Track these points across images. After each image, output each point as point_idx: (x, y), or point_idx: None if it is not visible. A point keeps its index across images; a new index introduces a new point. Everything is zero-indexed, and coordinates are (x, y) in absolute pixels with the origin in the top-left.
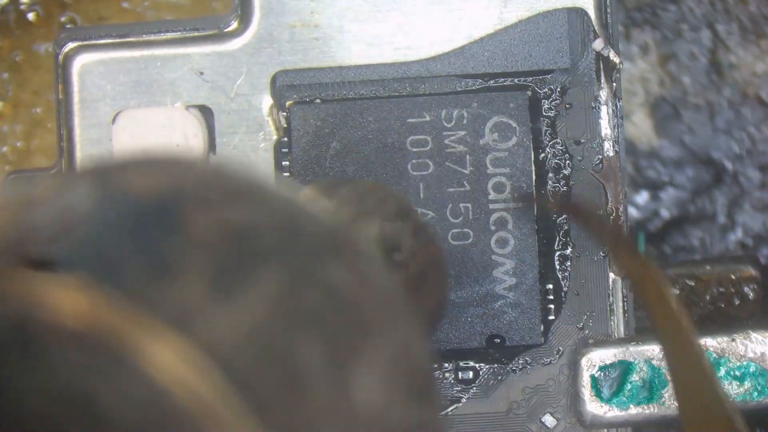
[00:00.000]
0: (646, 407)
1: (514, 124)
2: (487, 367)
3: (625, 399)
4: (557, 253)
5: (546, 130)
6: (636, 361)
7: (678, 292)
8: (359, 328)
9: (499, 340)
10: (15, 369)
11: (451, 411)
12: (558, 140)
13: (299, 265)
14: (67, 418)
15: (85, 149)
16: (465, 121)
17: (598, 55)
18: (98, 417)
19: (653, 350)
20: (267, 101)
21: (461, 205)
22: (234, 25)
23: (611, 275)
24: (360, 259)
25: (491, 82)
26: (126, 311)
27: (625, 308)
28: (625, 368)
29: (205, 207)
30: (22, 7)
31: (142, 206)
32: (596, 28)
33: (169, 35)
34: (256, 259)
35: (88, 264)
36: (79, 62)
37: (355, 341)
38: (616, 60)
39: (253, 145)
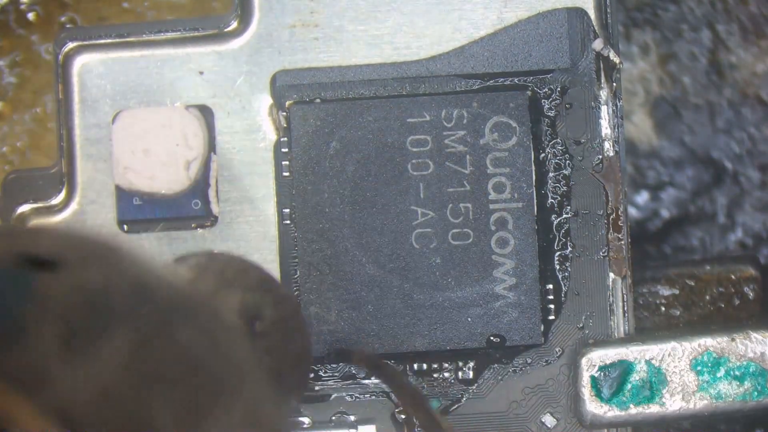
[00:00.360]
0: (646, 407)
1: (514, 124)
2: (487, 367)
3: (625, 399)
4: (557, 253)
5: (546, 130)
6: (636, 361)
7: (678, 292)
8: (210, 389)
9: (498, 340)
10: None
11: (451, 411)
12: (558, 140)
13: (150, 326)
14: None
15: (85, 149)
16: (465, 121)
17: (598, 55)
18: None
19: (653, 350)
20: (267, 101)
21: (461, 205)
22: (234, 25)
23: (611, 275)
24: (213, 323)
25: (491, 82)
26: None
27: (625, 308)
28: (625, 368)
29: (58, 270)
30: (22, 7)
31: None
32: (596, 28)
33: (169, 35)
34: (108, 320)
35: None
36: (79, 62)
37: (206, 402)
38: (616, 60)
39: (253, 145)
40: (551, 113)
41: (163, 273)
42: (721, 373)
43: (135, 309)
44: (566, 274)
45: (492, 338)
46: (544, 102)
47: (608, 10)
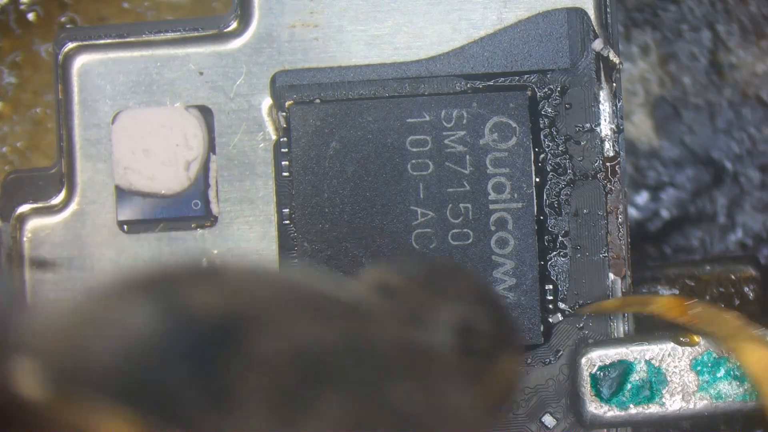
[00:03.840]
0: (645, 407)
1: (514, 124)
2: None
3: (624, 399)
4: (557, 253)
5: (546, 130)
6: (636, 361)
7: (678, 292)
8: None
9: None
10: None
11: None
12: (558, 140)
13: (364, 387)
14: None
15: (85, 149)
16: (465, 121)
17: (598, 55)
18: None
19: (653, 350)
20: (266, 101)
21: (461, 205)
22: (234, 25)
23: (611, 275)
24: (428, 372)
25: (491, 82)
26: None
27: None
28: (624, 368)
29: (267, 327)
30: (22, 7)
31: (203, 327)
32: (596, 28)
33: (169, 35)
34: (319, 383)
35: (145, 392)
36: (79, 62)
37: None
38: (616, 60)
39: (252, 145)
40: (551, 113)
41: (375, 317)
42: (721, 373)
43: (347, 368)
44: (566, 274)
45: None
46: (544, 102)
47: (608, 10)
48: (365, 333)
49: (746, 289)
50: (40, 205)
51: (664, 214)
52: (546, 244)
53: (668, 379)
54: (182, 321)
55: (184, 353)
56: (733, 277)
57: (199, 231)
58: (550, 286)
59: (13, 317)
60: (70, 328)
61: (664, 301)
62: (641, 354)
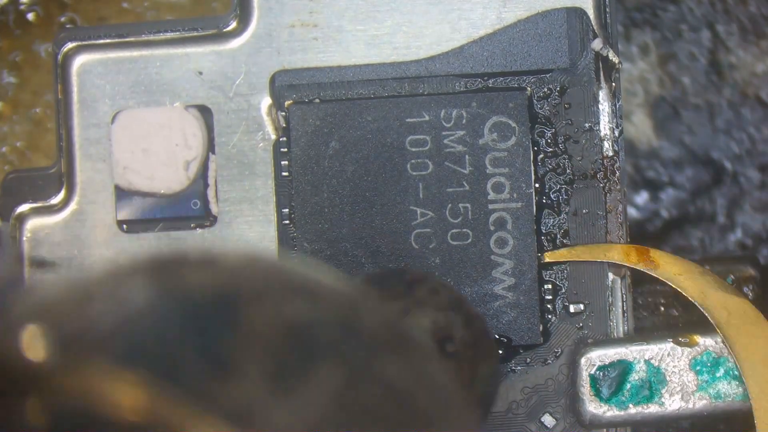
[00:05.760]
0: (645, 407)
1: (514, 124)
2: None
3: (624, 399)
4: None
5: (545, 130)
6: (635, 361)
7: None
8: (417, 424)
9: (505, 340)
10: None
11: None
12: (557, 140)
13: (357, 360)
14: None
15: (84, 149)
16: (464, 121)
17: (597, 55)
18: None
19: (652, 350)
20: (266, 101)
21: (460, 205)
22: (233, 24)
23: (610, 275)
24: (415, 353)
25: (490, 82)
26: (185, 407)
27: (625, 308)
28: (624, 368)
29: (262, 302)
30: (22, 7)
31: (199, 302)
32: (595, 27)
33: (169, 35)
34: (314, 355)
35: (147, 360)
36: (79, 62)
37: None
38: (615, 60)
39: (252, 144)
40: (550, 113)
41: (363, 301)
42: (721, 372)
43: (341, 342)
44: (565, 273)
45: (498, 339)
46: (544, 102)
47: (608, 10)
48: (356, 314)
49: (746, 289)
50: (39, 204)
51: (664, 214)
52: (545, 243)
53: (667, 378)
54: (182, 295)
55: (184, 324)
56: (733, 277)
57: (199, 231)
58: (550, 286)
59: (18, 286)
60: (75, 297)
61: (623, 248)
62: (640, 354)
